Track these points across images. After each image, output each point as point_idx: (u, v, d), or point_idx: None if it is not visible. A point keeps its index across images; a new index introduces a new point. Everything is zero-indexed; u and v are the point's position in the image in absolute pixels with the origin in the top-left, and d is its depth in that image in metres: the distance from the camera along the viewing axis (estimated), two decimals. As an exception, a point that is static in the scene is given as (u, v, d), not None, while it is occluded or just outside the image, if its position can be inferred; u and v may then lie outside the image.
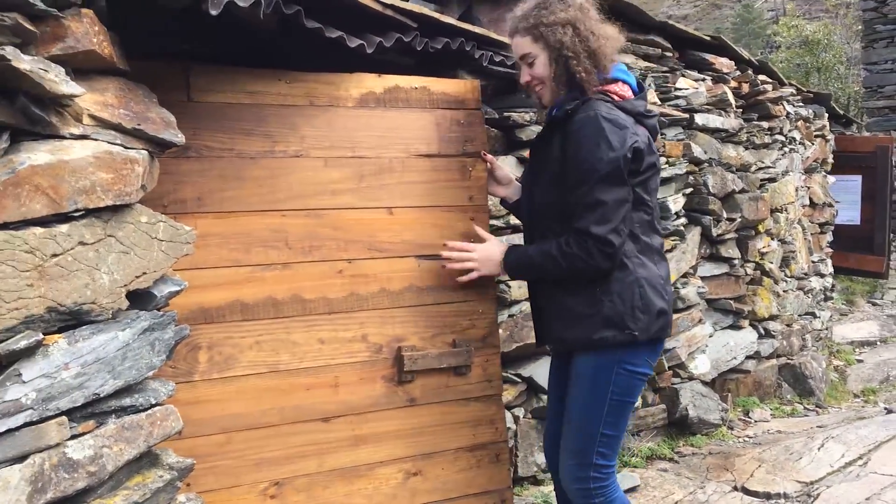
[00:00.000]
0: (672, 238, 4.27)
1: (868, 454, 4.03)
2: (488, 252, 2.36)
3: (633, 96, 2.25)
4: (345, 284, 2.29)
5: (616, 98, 2.20)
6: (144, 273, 1.61)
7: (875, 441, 4.18)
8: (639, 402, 4.14)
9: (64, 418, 1.44)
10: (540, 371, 3.41)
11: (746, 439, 4.43)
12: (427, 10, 2.34)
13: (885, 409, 5.12)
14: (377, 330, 2.34)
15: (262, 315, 2.19)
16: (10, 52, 1.24)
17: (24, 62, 1.26)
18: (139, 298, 1.63)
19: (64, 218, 1.43)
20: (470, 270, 2.36)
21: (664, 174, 4.15)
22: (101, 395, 1.52)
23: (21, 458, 1.36)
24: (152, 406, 1.65)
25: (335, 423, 2.29)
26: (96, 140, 1.48)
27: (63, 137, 1.43)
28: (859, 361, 6.42)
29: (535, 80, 2.24)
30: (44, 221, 1.39)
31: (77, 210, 1.43)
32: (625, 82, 2.24)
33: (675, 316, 4.30)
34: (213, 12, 1.61)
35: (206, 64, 2.13)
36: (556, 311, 2.25)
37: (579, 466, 2.21)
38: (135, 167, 1.54)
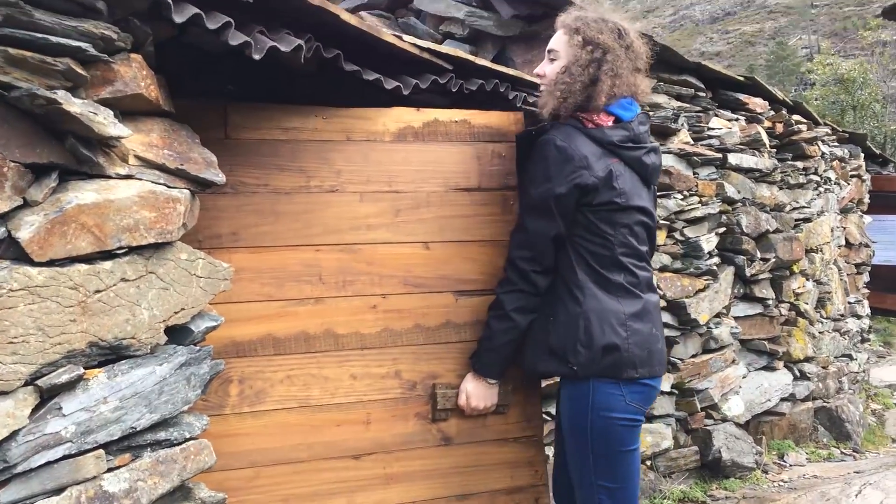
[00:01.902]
0: (705, 277, 4.24)
1: (908, 502, 3.92)
2: (468, 390, 2.30)
3: (611, 124, 2.14)
4: (378, 320, 2.27)
5: (587, 124, 2.13)
6: (183, 309, 1.64)
7: (915, 488, 4.07)
8: (671, 444, 4.08)
9: (101, 451, 1.47)
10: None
11: (781, 484, 4.34)
12: (462, 53, 2.38)
13: (926, 455, 4.99)
14: (411, 366, 2.30)
15: (293, 349, 2.19)
16: (61, 95, 1.29)
17: (75, 105, 1.30)
18: (177, 333, 1.66)
19: (107, 255, 1.46)
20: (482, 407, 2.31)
21: (697, 213, 4.14)
22: (138, 429, 1.54)
23: (59, 491, 1.39)
24: (187, 440, 1.67)
25: (366, 460, 2.26)
26: (140, 180, 1.52)
27: (109, 177, 1.47)
28: (898, 405, 6.29)
29: (544, 79, 2.22)
30: (88, 258, 1.43)
31: (120, 248, 1.47)
32: (611, 113, 2.16)
33: (707, 356, 4.25)
34: (257, 57, 1.65)
35: (243, 102, 2.17)
36: (526, 345, 2.26)
37: None
38: (177, 206, 1.57)
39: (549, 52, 2.21)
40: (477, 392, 2.27)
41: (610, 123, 2.14)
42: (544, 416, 3.34)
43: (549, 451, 3.43)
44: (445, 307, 2.33)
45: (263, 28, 1.73)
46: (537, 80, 2.27)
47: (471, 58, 2.38)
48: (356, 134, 2.25)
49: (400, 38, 2.14)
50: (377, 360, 2.27)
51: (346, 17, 1.86)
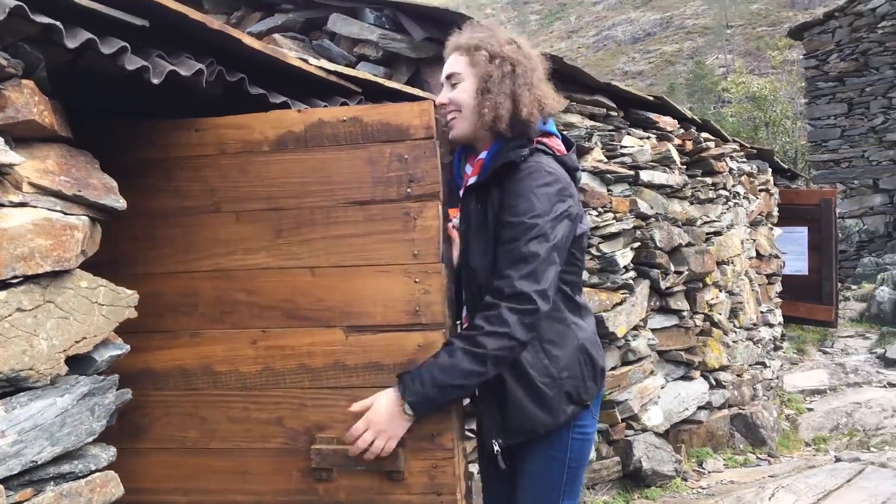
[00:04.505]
0: (621, 291, 4.36)
1: (817, 503, 4.09)
2: (378, 413, 1.87)
3: (566, 151, 2.09)
4: (259, 357, 2.02)
5: (554, 150, 2.04)
6: (84, 338, 1.62)
7: (824, 490, 4.25)
8: (593, 455, 4.16)
9: (0, 487, 1.43)
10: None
11: (700, 490, 4.47)
12: (370, 76, 2.41)
13: (835, 457, 5.21)
14: (294, 413, 2.00)
15: (171, 386, 2.06)
16: (-52, 124, 1.27)
17: (-37, 133, 1.29)
18: (79, 363, 1.63)
19: (2, 284, 1.44)
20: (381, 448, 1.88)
21: (612, 229, 4.26)
22: (39, 462, 1.51)
23: (-48, 529, 1.35)
24: (92, 472, 1.64)
25: None
26: (35, 207, 1.50)
27: (2, 205, 1.44)
28: (810, 410, 6.54)
29: (451, 105, 2.03)
30: (-20, 289, 1.40)
31: (15, 277, 1.44)
32: (555, 136, 2.09)
33: (626, 368, 4.36)
34: (156, 81, 1.65)
35: (121, 120, 2.06)
36: (509, 401, 1.97)
37: None
38: (74, 233, 1.55)
39: (450, 76, 2.05)
40: (386, 419, 1.86)
41: (564, 150, 2.07)
42: (467, 433, 3.37)
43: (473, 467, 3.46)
44: (333, 345, 1.98)
45: (163, 52, 1.73)
46: (443, 110, 2.06)
47: (380, 80, 2.41)
48: (231, 146, 2.03)
49: (306, 61, 2.15)
50: (257, 404, 2.03)
51: (248, 40, 1.87)
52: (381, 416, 1.87)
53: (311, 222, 2.00)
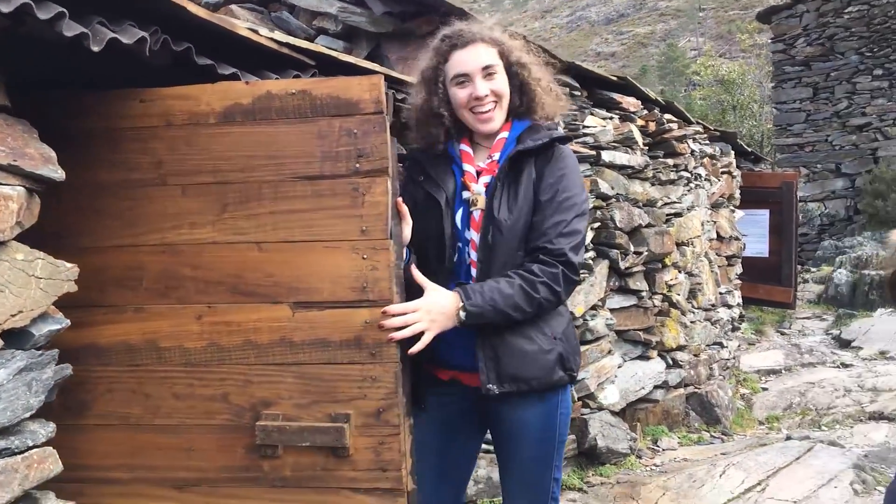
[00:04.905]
0: (581, 271, 4.38)
1: (766, 480, 4.19)
2: (439, 304, 2.00)
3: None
4: (204, 333, 2.00)
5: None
6: (21, 311, 1.59)
7: (774, 467, 4.34)
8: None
9: (-71, 461, 1.41)
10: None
11: (654, 468, 4.54)
12: (324, 49, 2.37)
13: (787, 435, 5.32)
14: (239, 389, 1.99)
15: (115, 361, 2.03)
16: None
17: None
18: (16, 337, 1.60)
19: (-69, 256, 1.40)
20: (420, 334, 1.96)
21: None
22: (-29, 438, 1.49)
23: None
24: (30, 448, 1.62)
25: (189, 492, 2.03)
26: (-33, 178, 1.46)
27: (-69, 175, 1.41)
28: (765, 389, 6.67)
29: (492, 96, 2.13)
30: None
31: (-55, 248, 1.41)
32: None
33: (584, 347, 4.40)
34: (96, 48, 1.61)
35: (67, 90, 2.02)
36: (508, 348, 2.09)
37: None
38: (9, 204, 1.52)
39: (486, 68, 2.12)
40: (442, 311, 1.99)
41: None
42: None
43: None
44: (280, 321, 1.97)
45: (105, 20, 1.68)
46: (482, 102, 2.13)
47: (334, 53, 2.38)
48: (177, 117, 2.00)
49: (256, 31, 2.11)
50: (202, 380, 2.01)
51: (194, 8, 1.83)
52: (439, 307, 1.99)
53: (258, 197, 1.98)
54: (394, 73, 2.66)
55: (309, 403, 1.97)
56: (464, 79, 2.13)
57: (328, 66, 2.40)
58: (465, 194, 2.18)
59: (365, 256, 1.95)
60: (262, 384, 1.99)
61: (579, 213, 2.10)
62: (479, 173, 2.19)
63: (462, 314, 1.99)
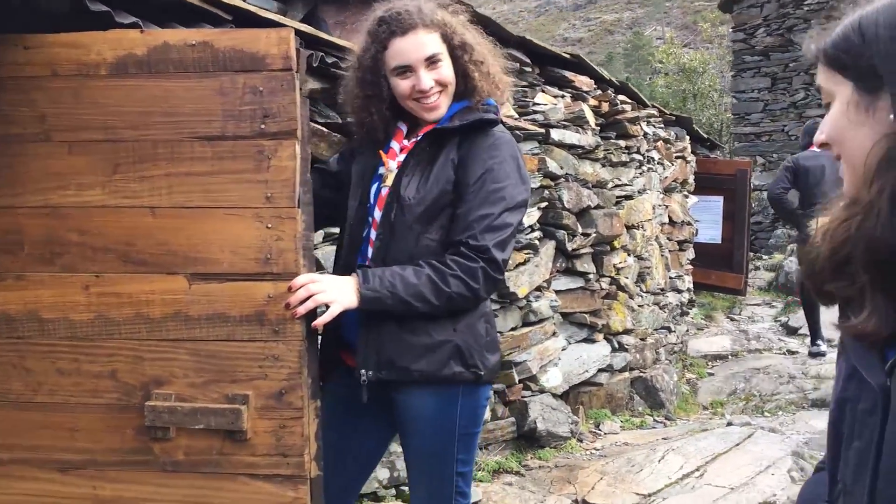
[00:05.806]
0: (525, 251, 4.29)
1: (705, 466, 4.16)
2: (336, 278, 1.92)
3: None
4: (91, 304, 1.85)
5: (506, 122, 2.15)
6: None
7: (713, 453, 4.32)
8: (488, 415, 4.13)
9: None
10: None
11: (594, 452, 4.49)
12: (245, 4, 2.23)
13: (728, 421, 5.32)
14: (130, 367, 1.85)
15: None
16: None
17: None
18: None
19: None
20: (324, 307, 1.85)
21: (518, 187, 4.17)
22: None
23: None
24: None
25: (73, 475, 1.89)
26: None
27: None
28: (711, 375, 6.68)
29: (437, 86, 1.99)
30: None
31: None
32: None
33: (527, 329, 4.32)
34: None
35: None
36: (392, 335, 1.97)
37: None
38: None
39: (430, 58, 1.98)
40: (340, 285, 1.87)
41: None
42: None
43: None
44: (175, 294, 1.84)
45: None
46: (427, 94, 1.99)
47: (253, 9, 2.24)
48: (64, 66, 1.83)
49: (161, -20, 1.96)
50: (89, 356, 1.87)
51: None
52: (337, 281, 1.89)
53: (153, 157, 1.83)
54: (321, 35, 2.52)
55: (204, 383, 1.84)
56: (406, 69, 1.99)
57: (247, 23, 2.25)
58: (381, 170, 2.06)
59: (269, 225, 1.82)
60: (155, 361, 1.86)
61: (510, 207, 1.96)
62: (403, 151, 2.07)
63: (358, 294, 1.88)
